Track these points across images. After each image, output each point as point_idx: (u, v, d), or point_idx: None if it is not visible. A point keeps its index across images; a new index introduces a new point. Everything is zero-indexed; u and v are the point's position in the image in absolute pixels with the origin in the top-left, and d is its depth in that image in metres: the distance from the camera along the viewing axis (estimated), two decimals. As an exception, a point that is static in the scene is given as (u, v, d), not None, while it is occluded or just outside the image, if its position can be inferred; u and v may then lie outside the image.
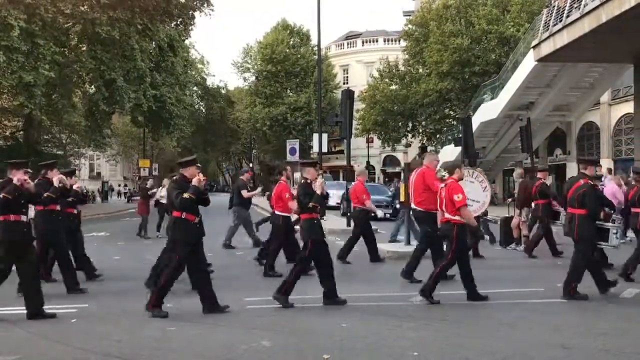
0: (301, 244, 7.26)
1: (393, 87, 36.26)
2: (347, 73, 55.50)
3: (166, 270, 6.26)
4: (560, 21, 18.05)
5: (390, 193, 22.26)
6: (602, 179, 12.42)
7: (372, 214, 10.55)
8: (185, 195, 5.97)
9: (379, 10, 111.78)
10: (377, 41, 55.79)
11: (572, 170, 28.21)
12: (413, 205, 8.56)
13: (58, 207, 7.71)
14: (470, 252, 8.57)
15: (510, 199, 13.27)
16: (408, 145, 43.05)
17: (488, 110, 25.21)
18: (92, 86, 29.28)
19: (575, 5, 17.17)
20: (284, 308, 6.37)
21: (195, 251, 6.25)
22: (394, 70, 37.11)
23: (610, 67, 21.81)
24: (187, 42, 40.47)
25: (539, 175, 11.51)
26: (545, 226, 10.85)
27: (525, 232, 11.82)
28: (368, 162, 44.84)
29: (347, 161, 18.51)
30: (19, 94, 23.55)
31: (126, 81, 27.77)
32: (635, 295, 7.06)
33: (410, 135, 38.84)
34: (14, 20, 21.05)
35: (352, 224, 11.00)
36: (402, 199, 12.67)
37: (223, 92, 62.44)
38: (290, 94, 49.32)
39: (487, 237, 12.44)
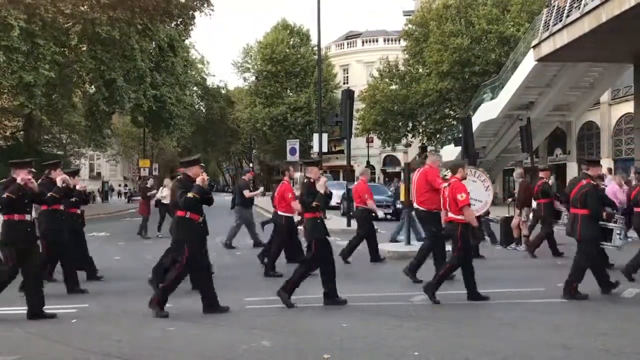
0: (303, 244, 7.31)
1: (393, 87, 36.26)
2: (347, 73, 55.51)
3: (173, 270, 6.26)
4: (560, 21, 18.04)
5: (390, 193, 22.27)
6: (604, 178, 12.41)
7: (373, 214, 10.53)
8: (190, 194, 5.98)
9: (379, 10, 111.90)
10: (377, 41, 55.81)
11: (572, 170, 28.23)
12: (415, 205, 8.55)
13: (62, 207, 7.71)
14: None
15: (510, 199, 13.27)
16: (408, 145, 43.05)
17: (488, 110, 25.21)
18: (92, 86, 29.27)
19: (575, 5, 17.16)
20: (286, 307, 6.36)
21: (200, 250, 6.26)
22: (394, 70, 37.11)
23: (610, 67, 21.81)
24: (187, 42, 40.49)
25: (541, 174, 11.50)
26: (549, 226, 10.85)
27: (526, 232, 11.82)
28: (368, 162, 44.85)
29: (347, 161, 18.51)
30: (19, 94, 23.54)
31: (126, 81, 27.76)
32: (635, 295, 7.06)
33: (410, 135, 38.84)
34: (14, 20, 21.04)
35: (356, 224, 10.94)
36: (402, 198, 12.68)
37: (223, 92, 62.48)
38: (290, 94, 49.35)
39: (487, 238, 12.42)
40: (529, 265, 10.05)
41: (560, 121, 27.13)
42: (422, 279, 7.71)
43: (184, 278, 6.28)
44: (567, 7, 17.66)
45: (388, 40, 53.98)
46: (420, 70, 35.12)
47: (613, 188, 10.56)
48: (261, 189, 16.56)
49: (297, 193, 8.60)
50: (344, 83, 50.49)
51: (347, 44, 57.40)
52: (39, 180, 7.19)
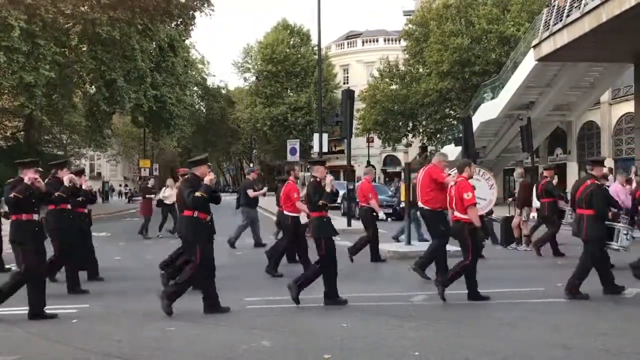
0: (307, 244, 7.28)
1: (393, 86, 36.27)
2: (348, 73, 55.52)
3: (187, 270, 6.25)
4: (561, 20, 18.05)
5: (390, 193, 22.27)
6: (608, 178, 12.41)
7: (374, 214, 10.50)
8: (197, 193, 5.99)
9: (379, 10, 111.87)
10: (377, 41, 55.82)
11: (572, 169, 28.25)
12: (420, 204, 8.55)
13: (69, 206, 7.72)
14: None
15: (510, 199, 13.27)
16: (408, 145, 43.05)
17: (488, 110, 25.22)
18: (93, 86, 29.30)
19: (575, 5, 17.17)
20: (292, 303, 6.38)
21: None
22: (394, 70, 37.11)
23: (611, 67, 21.82)
24: (187, 42, 40.53)
25: (545, 173, 11.50)
26: (554, 225, 10.85)
27: (526, 232, 11.82)
28: (368, 162, 44.81)
29: (347, 161, 18.53)
30: (20, 95, 23.57)
31: (126, 81, 27.79)
32: (635, 295, 7.05)
33: (410, 135, 38.84)
34: (15, 20, 21.05)
35: (362, 224, 10.88)
36: (402, 198, 12.66)
37: (223, 92, 62.54)
38: (291, 93, 49.38)
39: (486, 240, 12.39)
40: (529, 265, 10.05)
41: (561, 121, 27.14)
42: (430, 277, 7.78)
43: (197, 278, 6.24)
44: (567, 7, 17.67)
45: (388, 40, 54.00)
46: (421, 70, 35.13)
47: (616, 188, 10.58)
48: (265, 188, 16.55)
49: (303, 192, 8.61)
50: (344, 83, 50.51)
51: (348, 43, 57.41)
52: (46, 180, 7.20)
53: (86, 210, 8.55)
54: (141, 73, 28.78)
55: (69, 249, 7.67)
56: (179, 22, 28.97)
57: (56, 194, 6.92)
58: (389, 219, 18.45)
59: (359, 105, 33.35)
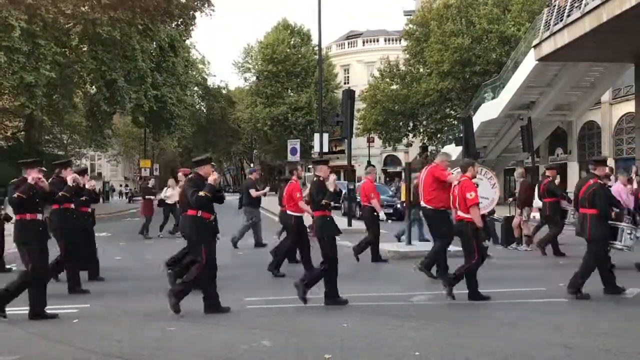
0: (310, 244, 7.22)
1: (394, 86, 36.29)
2: (348, 73, 55.53)
3: (193, 270, 6.25)
4: (561, 20, 18.04)
5: (391, 193, 22.26)
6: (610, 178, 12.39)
7: (375, 214, 10.49)
8: (201, 193, 6.00)
9: (379, 10, 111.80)
10: (377, 41, 55.83)
11: (573, 169, 28.24)
12: (423, 204, 8.55)
13: (72, 206, 7.73)
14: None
15: (511, 199, 13.26)
16: (409, 144, 43.05)
17: (489, 110, 25.21)
18: (93, 86, 29.33)
19: (576, 5, 17.17)
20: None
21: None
22: (394, 70, 37.13)
23: (611, 67, 21.81)
24: (187, 42, 40.56)
25: (547, 173, 11.49)
26: (556, 224, 10.84)
27: (527, 232, 11.81)
28: (369, 162, 44.64)
29: (348, 161, 18.53)
30: (20, 95, 23.59)
31: (127, 81, 27.81)
32: (636, 295, 7.05)
33: (411, 134, 38.85)
34: (15, 20, 21.07)
35: (365, 224, 10.86)
36: (403, 198, 12.65)
37: (224, 92, 62.55)
38: (291, 93, 49.39)
39: (488, 242, 12.37)
40: (529, 265, 10.05)
41: (561, 121, 27.14)
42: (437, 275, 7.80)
43: (208, 277, 6.23)
44: (567, 7, 17.67)
45: (389, 40, 54.01)
46: (421, 70, 35.15)
47: (618, 188, 10.57)
48: (267, 188, 16.54)
49: (305, 192, 8.59)
50: (345, 83, 50.52)
51: (348, 43, 57.42)
52: (50, 180, 7.22)
53: (89, 210, 8.56)
54: (142, 73, 28.79)
55: (70, 249, 7.67)
56: (179, 22, 29.00)
57: (60, 193, 6.94)
58: (389, 220, 18.43)
59: (359, 105, 33.36)
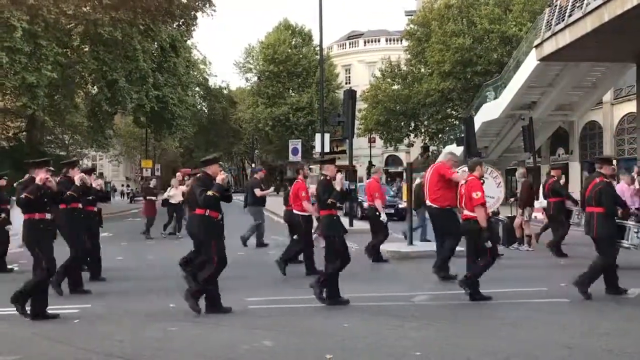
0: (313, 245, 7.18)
1: (395, 87, 36.26)
2: (349, 73, 55.51)
3: (205, 269, 6.24)
4: (563, 20, 18.00)
5: (392, 193, 22.26)
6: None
7: (377, 213, 10.47)
8: (209, 192, 6.02)
9: (380, 10, 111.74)
10: (379, 41, 55.82)
11: (574, 169, 28.18)
12: (428, 202, 8.54)
13: (80, 205, 7.73)
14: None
15: (512, 199, 13.24)
16: (410, 145, 43.03)
17: (490, 110, 25.18)
18: (95, 87, 29.32)
19: (577, 5, 17.13)
20: (316, 298, 6.42)
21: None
22: (396, 70, 37.10)
23: (613, 67, 21.76)
24: (189, 42, 40.51)
25: (552, 173, 11.47)
26: (561, 224, 10.82)
27: (528, 232, 11.80)
28: (370, 162, 44.84)
29: (349, 161, 18.51)
30: (22, 95, 23.60)
31: (128, 82, 27.80)
32: (638, 295, 7.03)
33: (412, 135, 38.82)
34: (17, 21, 21.08)
35: (369, 224, 10.82)
36: (404, 198, 12.63)
37: (225, 92, 62.57)
38: (293, 94, 49.39)
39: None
40: (531, 265, 10.03)
41: (563, 121, 27.08)
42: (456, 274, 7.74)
43: (219, 276, 6.23)
44: (569, 7, 17.63)
45: (390, 40, 53.99)
46: (422, 70, 35.12)
47: (622, 187, 10.57)
48: (272, 188, 16.55)
49: (312, 191, 8.59)
50: (346, 83, 50.52)
51: (349, 44, 57.42)
52: (57, 179, 7.23)
53: (96, 209, 8.57)
54: (143, 73, 28.78)
55: (77, 249, 7.67)
56: (180, 23, 29.01)
57: (68, 193, 6.97)
58: (389, 222, 18.38)
59: (360, 105, 33.32)
